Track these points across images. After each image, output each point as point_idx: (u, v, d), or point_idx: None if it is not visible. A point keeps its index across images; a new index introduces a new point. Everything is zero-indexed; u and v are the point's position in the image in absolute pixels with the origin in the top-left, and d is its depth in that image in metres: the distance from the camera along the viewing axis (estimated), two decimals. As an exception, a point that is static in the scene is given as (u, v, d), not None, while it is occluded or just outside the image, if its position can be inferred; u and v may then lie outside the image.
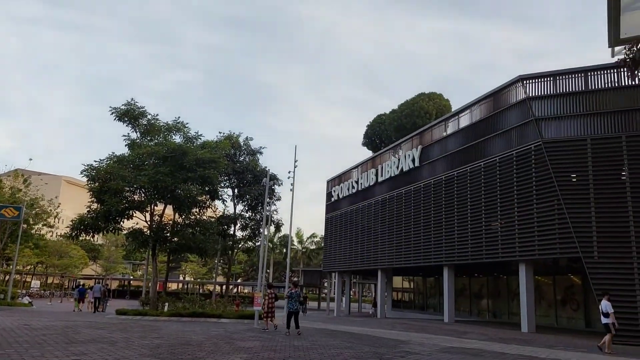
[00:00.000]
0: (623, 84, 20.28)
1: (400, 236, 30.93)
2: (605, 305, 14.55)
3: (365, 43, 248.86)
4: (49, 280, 62.21)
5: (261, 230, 33.18)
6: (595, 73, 20.95)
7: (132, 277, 68.75)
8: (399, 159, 32.07)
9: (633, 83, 19.87)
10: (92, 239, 33.94)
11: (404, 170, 31.21)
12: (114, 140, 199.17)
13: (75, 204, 59.19)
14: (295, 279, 56.96)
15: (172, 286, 64.79)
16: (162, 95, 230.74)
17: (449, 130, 28.17)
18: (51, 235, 42.64)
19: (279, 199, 31.78)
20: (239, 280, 73.22)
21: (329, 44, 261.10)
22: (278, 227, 34.18)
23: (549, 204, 20.40)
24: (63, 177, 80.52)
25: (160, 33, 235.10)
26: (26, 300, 32.44)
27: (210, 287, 73.65)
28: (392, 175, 32.61)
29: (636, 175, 18.87)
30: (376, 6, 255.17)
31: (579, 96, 21.06)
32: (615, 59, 22.04)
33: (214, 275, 72.40)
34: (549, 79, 22.04)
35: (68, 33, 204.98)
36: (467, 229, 25.02)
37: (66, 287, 61.35)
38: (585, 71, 21.20)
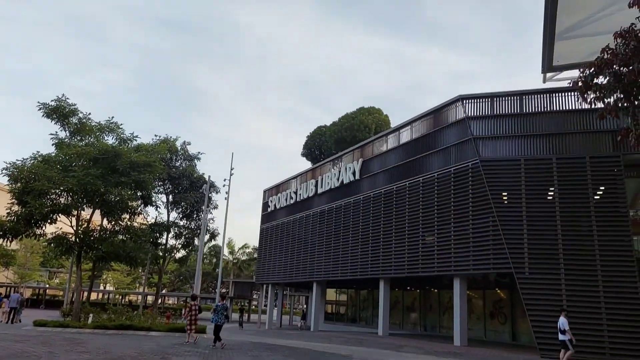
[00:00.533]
0: (555, 109, 21.46)
1: (337, 248, 30.90)
2: (562, 322, 14.85)
3: (303, 55, 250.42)
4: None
5: (196, 239, 32.04)
6: (530, 97, 22.03)
7: (47, 286, 64.13)
8: (339, 171, 32.16)
9: (563, 108, 21.14)
10: (5, 244, 31.18)
11: (345, 182, 31.31)
12: (35, 140, 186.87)
13: (-13, 205, 54.52)
14: (224, 290, 55.59)
15: (93, 296, 61.09)
16: (90, 95, 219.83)
17: (390, 145, 28.60)
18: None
19: (215, 207, 30.75)
20: (164, 291, 70.32)
21: (266, 53, 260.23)
22: (213, 236, 33.07)
23: (484, 220, 21.07)
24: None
25: (90, 30, 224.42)
26: None
27: (134, 298, 70.27)
28: (332, 187, 32.63)
29: (564, 195, 19.90)
30: (314, 19, 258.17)
31: (514, 118, 22.04)
32: (547, 84, 23.44)
33: (138, 285, 69.21)
34: (487, 100, 22.93)
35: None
36: (404, 242, 25.37)
37: (-28, 295, 56.14)
38: (520, 94, 22.25)
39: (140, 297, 71.94)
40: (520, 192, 20.57)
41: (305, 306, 56.61)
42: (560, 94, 21.55)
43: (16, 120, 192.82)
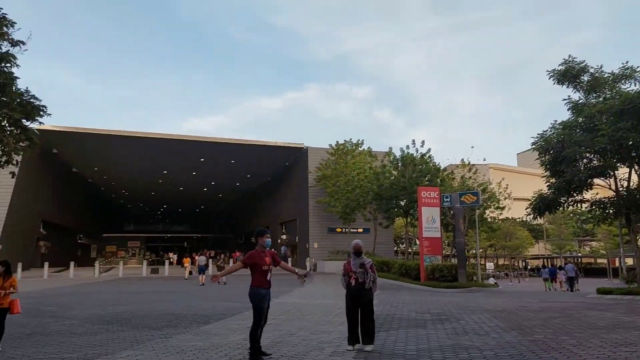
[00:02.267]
0: None
1: None
2: None
3: None
4: (499, 262, 64.60)
5: None
6: None
7: (580, 254, 64.09)
8: None
9: None
10: (534, 219, 32.42)
11: None
12: (519, 124, 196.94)
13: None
14: None
15: (629, 261, 56.99)
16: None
17: None
18: (497, 219, 43.48)
19: None
20: None
21: None
22: None
23: None
24: (489, 165, 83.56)
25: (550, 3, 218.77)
26: (491, 281, 33.67)
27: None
28: None
29: None
30: None
31: None
32: None
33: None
34: None
35: (458, 35, 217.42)
36: None
37: (515, 267, 62.30)
38: None
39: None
40: None
41: None
42: None
43: (501, 111, 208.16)
